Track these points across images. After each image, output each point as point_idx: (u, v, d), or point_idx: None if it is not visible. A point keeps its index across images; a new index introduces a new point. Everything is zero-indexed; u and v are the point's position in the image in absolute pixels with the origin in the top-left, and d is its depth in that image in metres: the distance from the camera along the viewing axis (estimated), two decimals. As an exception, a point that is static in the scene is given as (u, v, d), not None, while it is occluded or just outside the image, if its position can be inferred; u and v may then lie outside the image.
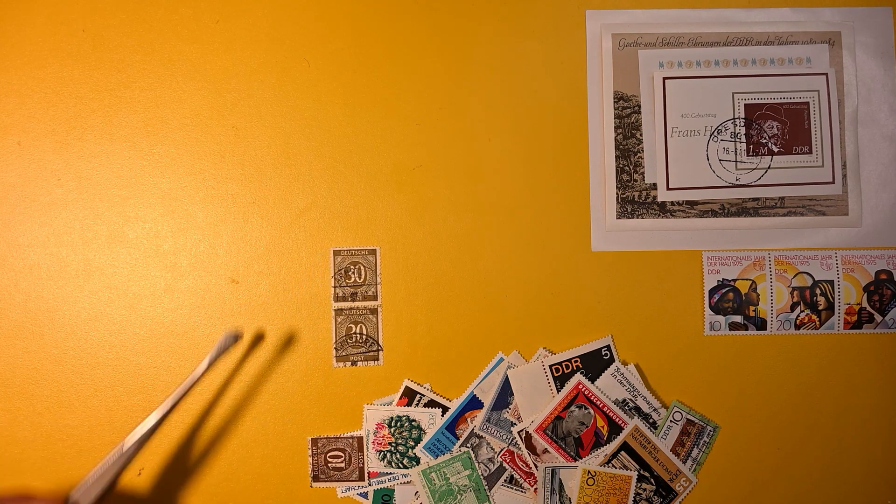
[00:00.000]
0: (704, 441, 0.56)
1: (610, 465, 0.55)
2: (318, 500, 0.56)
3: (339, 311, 0.56)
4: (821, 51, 0.58)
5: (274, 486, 0.56)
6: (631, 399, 0.56)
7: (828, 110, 0.58)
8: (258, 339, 0.56)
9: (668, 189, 0.57)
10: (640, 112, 0.58)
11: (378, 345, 0.55)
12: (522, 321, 0.57)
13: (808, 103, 0.58)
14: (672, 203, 0.57)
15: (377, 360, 0.56)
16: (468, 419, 0.56)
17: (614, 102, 0.58)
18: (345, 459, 0.55)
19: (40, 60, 0.57)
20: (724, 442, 0.56)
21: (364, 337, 0.55)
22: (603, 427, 0.55)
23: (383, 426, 0.56)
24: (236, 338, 0.52)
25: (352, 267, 0.54)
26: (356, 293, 0.55)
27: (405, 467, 0.56)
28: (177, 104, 0.57)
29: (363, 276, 0.55)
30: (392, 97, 0.58)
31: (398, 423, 0.56)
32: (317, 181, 0.57)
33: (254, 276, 0.56)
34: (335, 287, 0.55)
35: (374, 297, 0.55)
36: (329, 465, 0.55)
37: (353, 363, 0.56)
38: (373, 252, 0.55)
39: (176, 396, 0.49)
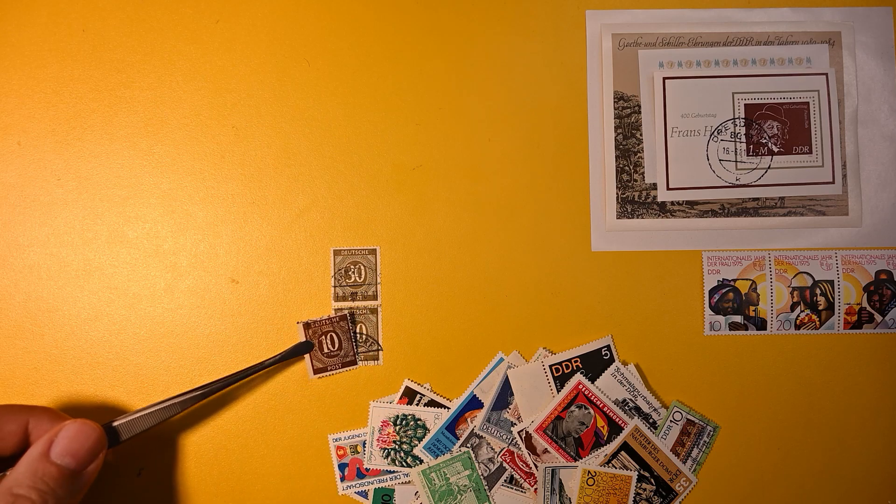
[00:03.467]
0: (704, 441, 0.56)
1: (610, 465, 0.55)
2: (318, 499, 0.56)
3: (338, 311, 0.56)
4: (821, 51, 0.58)
5: (274, 485, 0.56)
6: (631, 399, 0.56)
7: (828, 110, 0.58)
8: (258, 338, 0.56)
9: (668, 189, 0.57)
10: (640, 112, 0.58)
11: (378, 344, 0.55)
12: (522, 321, 0.57)
13: (808, 103, 0.58)
14: (672, 203, 0.57)
15: (377, 359, 0.56)
16: (468, 419, 0.56)
17: (614, 102, 0.58)
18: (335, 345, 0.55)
19: (40, 60, 0.57)
20: (724, 442, 0.56)
21: (364, 336, 0.55)
22: (603, 427, 0.55)
23: (388, 424, 0.56)
24: (310, 345, 0.54)
25: (352, 267, 0.54)
26: (356, 293, 0.55)
27: (409, 466, 0.56)
28: (177, 104, 0.57)
29: (363, 276, 0.55)
30: (392, 97, 0.58)
31: (403, 422, 0.56)
32: (317, 181, 0.57)
33: (254, 276, 0.56)
34: (335, 287, 0.55)
35: (375, 297, 0.55)
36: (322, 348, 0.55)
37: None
38: (373, 252, 0.55)
39: (234, 377, 0.52)
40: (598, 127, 0.58)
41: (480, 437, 0.56)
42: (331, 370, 0.55)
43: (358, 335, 0.55)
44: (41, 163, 0.57)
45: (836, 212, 0.58)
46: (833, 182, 0.58)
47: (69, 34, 0.57)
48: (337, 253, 0.55)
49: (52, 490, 0.41)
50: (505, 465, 0.56)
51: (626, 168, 0.58)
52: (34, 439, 0.44)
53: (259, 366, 0.53)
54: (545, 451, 0.55)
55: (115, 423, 0.49)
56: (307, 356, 0.55)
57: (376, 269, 0.55)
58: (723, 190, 0.57)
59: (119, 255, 0.56)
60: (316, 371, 0.55)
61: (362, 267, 0.55)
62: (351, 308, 0.55)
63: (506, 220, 0.57)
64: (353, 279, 0.54)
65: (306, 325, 0.55)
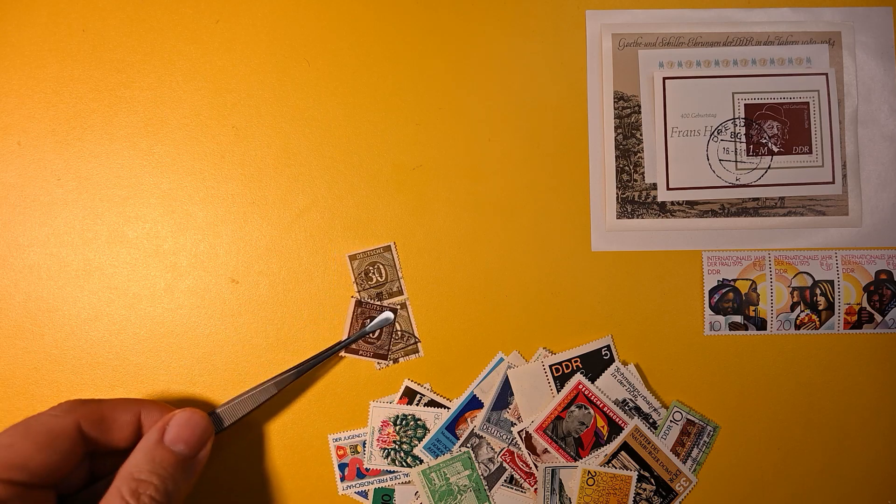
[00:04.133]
0: (704, 441, 0.56)
1: (610, 465, 0.55)
2: (318, 499, 0.56)
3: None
4: (821, 51, 0.58)
5: (274, 485, 0.56)
6: (631, 399, 0.56)
7: (828, 110, 0.58)
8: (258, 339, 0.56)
9: (668, 189, 0.57)
10: (640, 112, 0.58)
11: (415, 337, 0.55)
12: (522, 321, 0.57)
13: (808, 103, 0.58)
14: (672, 203, 0.57)
15: (417, 352, 0.56)
16: (468, 419, 0.56)
17: (614, 102, 0.58)
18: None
19: (40, 60, 0.57)
20: (724, 442, 0.56)
21: (400, 333, 0.55)
22: (603, 427, 0.55)
23: (388, 424, 0.56)
24: (389, 319, 0.55)
25: (371, 268, 0.54)
26: (381, 292, 0.55)
27: (409, 466, 0.56)
28: (177, 104, 0.57)
29: (384, 275, 0.55)
30: (392, 97, 0.58)
31: (403, 422, 0.56)
32: (317, 181, 0.57)
33: (254, 276, 0.56)
34: (360, 291, 0.55)
35: (401, 292, 0.56)
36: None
37: (395, 360, 0.56)
38: (388, 248, 0.55)
39: (322, 356, 0.54)
40: (598, 127, 0.58)
41: (480, 437, 0.56)
42: (362, 354, 0.55)
43: (394, 333, 0.56)
44: (41, 163, 0.57)
45: (836, 212, 0.58)
46: (833, 182, 0.58)
47: (69, 34, 0.57)
48: (353, 258, 0.55)
49: (170, 475, 0.44)
50: (505, 465, 0.56)
51: (626, 168, 0.58)
52: (146, 430, 0.47)
53: (346, 342, 0.54)
54: (545, 451, 0.55)
55: (219, 410, 0.51)
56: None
57: (395, 265, 0.55)
58: (723, 190, 0.57)
59: (119, 255, 0.56)
60: (348, 350, 0.55)
61: (381, 266, 0.55)
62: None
63: (506, 220, 0.57)
64: (374, 280, 0.54)
65: (358, 303, 0.55)
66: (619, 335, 0.57)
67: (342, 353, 0.56)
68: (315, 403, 0.56)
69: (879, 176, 0.58)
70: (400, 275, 0.55)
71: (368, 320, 0.55)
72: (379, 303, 0.55)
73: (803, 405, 0.57)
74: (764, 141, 0.58)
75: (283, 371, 0.53)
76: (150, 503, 0.42)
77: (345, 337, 0.55)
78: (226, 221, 0.57)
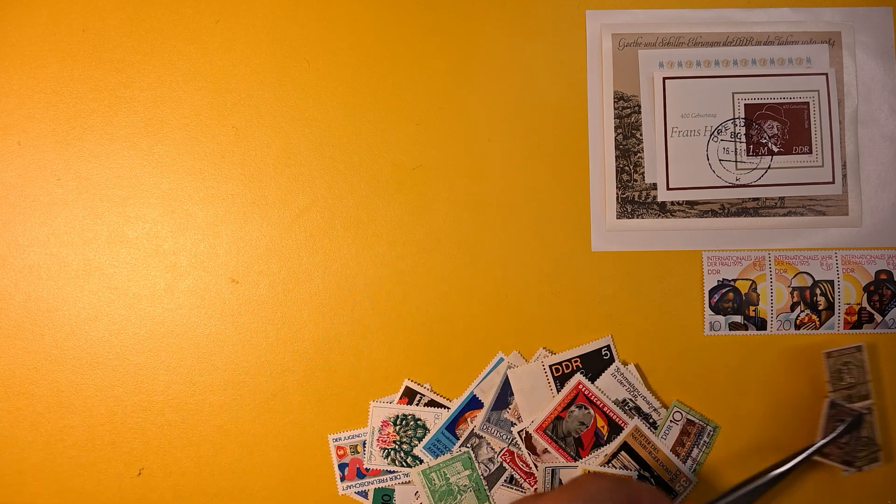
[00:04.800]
0: (704, 441, 0.56)
1: (610, 465, 0.55)
2: (318, 499, 0.56)
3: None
4: (821, 51, 0.58)
5: (274, 485, 0.56)
6: (631, 399, 0.56)
7: (828, 110, 0.58)
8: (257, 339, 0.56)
9: (668, 189, 0.57)
10: (640, 112, 0.58)
11: (877, 445, 0.53)
12: (522, 321, 0.57)
13: (808, 103, 0.58)
14: (672, 203, 0.57)
15: (878, 461, 0.54)
16: (468, 419, 0.56)
17: (614, 102, 0.58)
18: None
19: (40, 60, 0.57)
20: (724, 442, 0.56)
21: (865, 439, 0.53)
22: (603, 427, 0.55)
23: (388, 424, 0.56)
24: (860, 414, 0.52)
25: (844, 368, 0.53)
26: (851, 395, 0.53)
27: (409, 466, 0.56)
28: (177, 104, 0.57)
29: (855, 376, 0.54)
30: (392, 97, 0.58)
31: (403, 422, 0.56)
32: (317, 181, 0.57)
33: (254, 276, 0.56)
34: (832, 391, 0.53)
35: (867, 396, 0.54)
36: None
37: (860, 468, 0.53)
38: (860, 349, 0.54)
39: (795, 462, 0.51)
40: (598, 127, 0.58)
41: (480, 437, 0.56)
42: (831, 459, 0.53)
43: (860, 439, 0.53)
44: (41, 163, 0.57)
45: (836, 212, 0.58)
46: (833, 182, 0.58)
47: (69, 34, 0.57)
48: (829, 355, 0.53)
49: None
50: (505, 465, 0.56)
51: (626, 168, 0.58)
52: None
53: (820, 444, 0.52)
54: (545, 451, 0.55)
55: None
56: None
57: (865, 367, 0.54)
58: (723, 190, 0.57)
59: (119, 255, 0.56)
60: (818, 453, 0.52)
61: (853, 366, 0.54)
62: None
63: (506, 220, 0.57)
64: (846, 381, 0.53)
65: (832, 404, 0.52)
66: (619, 335, 0.57)
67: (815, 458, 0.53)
68: (315, 403, 0.56)
69: (879, 176, 0.58)
70: (868, 378, 0.53)
71: (839, 423, 0.52)
72: (850, 406, 0.53)
73: (803, 405, 0.57)
74: (764, 141, 0.58)
75: (754, 477, 0.50)
76: None
77: (818, 439, 0.52)
78: (226, 221, 0.57)
